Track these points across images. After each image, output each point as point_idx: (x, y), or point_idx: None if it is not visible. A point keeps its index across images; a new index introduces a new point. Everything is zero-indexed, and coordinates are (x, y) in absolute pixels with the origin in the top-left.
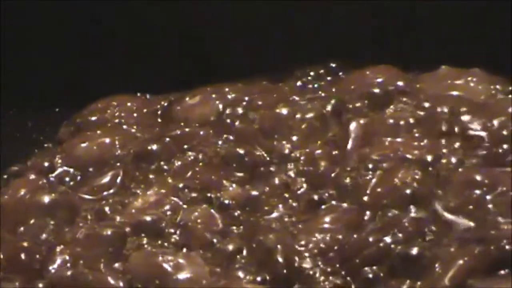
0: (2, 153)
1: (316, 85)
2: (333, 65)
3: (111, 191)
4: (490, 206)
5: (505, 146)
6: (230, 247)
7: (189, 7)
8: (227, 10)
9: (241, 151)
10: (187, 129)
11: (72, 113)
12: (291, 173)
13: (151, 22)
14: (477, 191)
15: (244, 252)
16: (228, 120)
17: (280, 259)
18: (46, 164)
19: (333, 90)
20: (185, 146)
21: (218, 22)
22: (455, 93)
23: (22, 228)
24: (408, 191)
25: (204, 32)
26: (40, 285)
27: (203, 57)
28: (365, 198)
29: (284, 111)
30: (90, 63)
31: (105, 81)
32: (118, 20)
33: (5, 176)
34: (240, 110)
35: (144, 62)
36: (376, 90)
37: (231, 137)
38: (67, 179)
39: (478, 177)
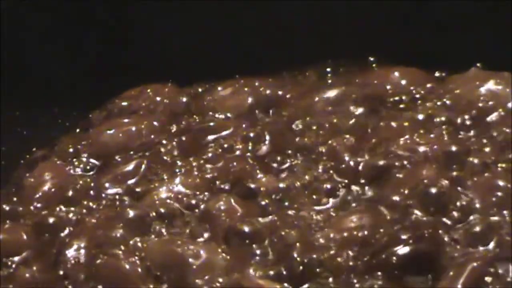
0: (30, 136)
1: (336, 80)
2: (370, 58)
3: (134, 179)
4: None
5: None
6: (251, 238)
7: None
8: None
9: (271, 145)
10: (217, 119)
11: (105, 99)
12: (320, 169)
13: (185, 18)
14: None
15: (266, 243)
16: (259, 113)
17: (297, 256)
18: (71, 150)
19: (361, 85)
20: (213, 137)
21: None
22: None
23: (45, 211)
24: (433, 190)
25: (232, 28)
26: (59, 270)
27: (232, 50)
28: (392, 197)
29: (312, 106)
30: (126, 51)
31: (139, 69)
32: (151, 12)
33: (31, 159)
34: (270, 104)
35: (176, 51)
36: (403, 92)
37: (261, 130)
38: (91, 164)
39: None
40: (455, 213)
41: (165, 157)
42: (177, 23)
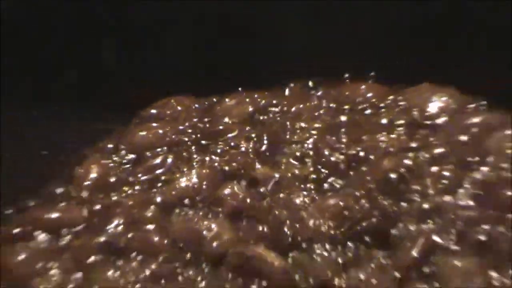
0: (80, 137)
1: (320, 93)
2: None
3: (161, 170)
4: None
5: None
6: (251, 217)
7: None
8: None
9: (268, 143)
10: (225, 124)
11: (139, 108)
12: (306, 162)
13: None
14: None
15: (263, 220)
16: (258, 118)
17: (287, 231)
18: (111, 147)
19: (336, 96)
20: (224, 137)
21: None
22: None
23: (92, 195)
24: (392, 177)
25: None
26: (101, 239)
27: (237, 69)
28: (362, 183)
29: (300, 112)
30: (157, 68)
31: (166, 83)
32: (174, 37)
33: (81, 155)
34: (266, 111)
35: (193, 70)
36: (370, 102)
37: (260, 131)
38: (127, 159)
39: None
40: (409, 195)
41: (184, 154)
42: (189, 42)
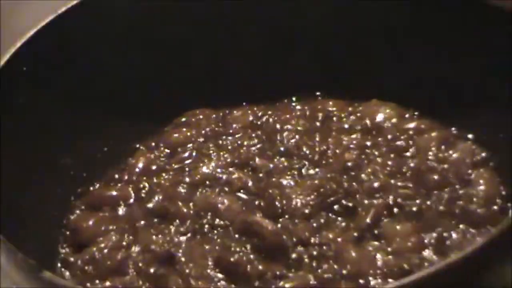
0: (132, 135)
1: (299, 107)
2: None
3: (188, 161)
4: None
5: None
6: (252, 194)
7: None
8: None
9: (265, 142)
10: (233, 128)
11: (172, 118)
12: (292, 156)
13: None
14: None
15: (260, 197)
16: (256, 124)
17: (278, 204)
18: (153, 144)
19: (311, 108)
20: (233, 138)
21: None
22: (379, 114)
23: (139, 179)
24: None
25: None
26: (146, 209)
27: (244, 88)
28: (329, 171)
29: (286, 120)
30: (184, 86)
31: (191, 98)
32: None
33: (132, 149)
34: (263, 119)
35: (212, 88)
36: (334, 113)
37: (258, 134)
38: (164, 153)
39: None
40: (364, 176)
41: (203, 150)
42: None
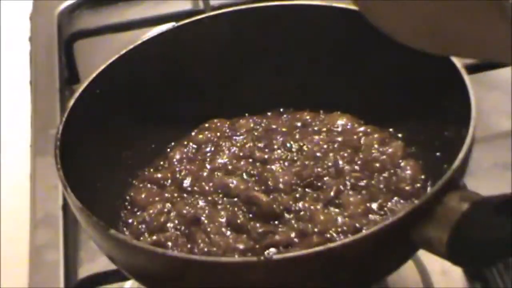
0: (171, 136)
1: (285, 115)
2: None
3: (209, 154)
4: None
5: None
6: (253, 176)
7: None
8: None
9: (264, 142)
10: (240, 132)
11: (198, 124)
12: (282, 150)
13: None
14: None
15: (258, 179)
16: (256, 129)
17: (270, 183)
18: (185, 143)
19: (295, 119)
20: (239, 138)
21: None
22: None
23: (173, 168)
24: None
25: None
26: (180, 187)
27: (246, 104)
28: (305, 160)
29: (277, 126)
30: (202, 100)
31: (211, 111)
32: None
33: (170, 147)
34: (261, 126)
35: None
36: (308, 121)
37: (258, 136)
38: (193, 149)
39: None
40: (328, 165)
41: (219, 147)
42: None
